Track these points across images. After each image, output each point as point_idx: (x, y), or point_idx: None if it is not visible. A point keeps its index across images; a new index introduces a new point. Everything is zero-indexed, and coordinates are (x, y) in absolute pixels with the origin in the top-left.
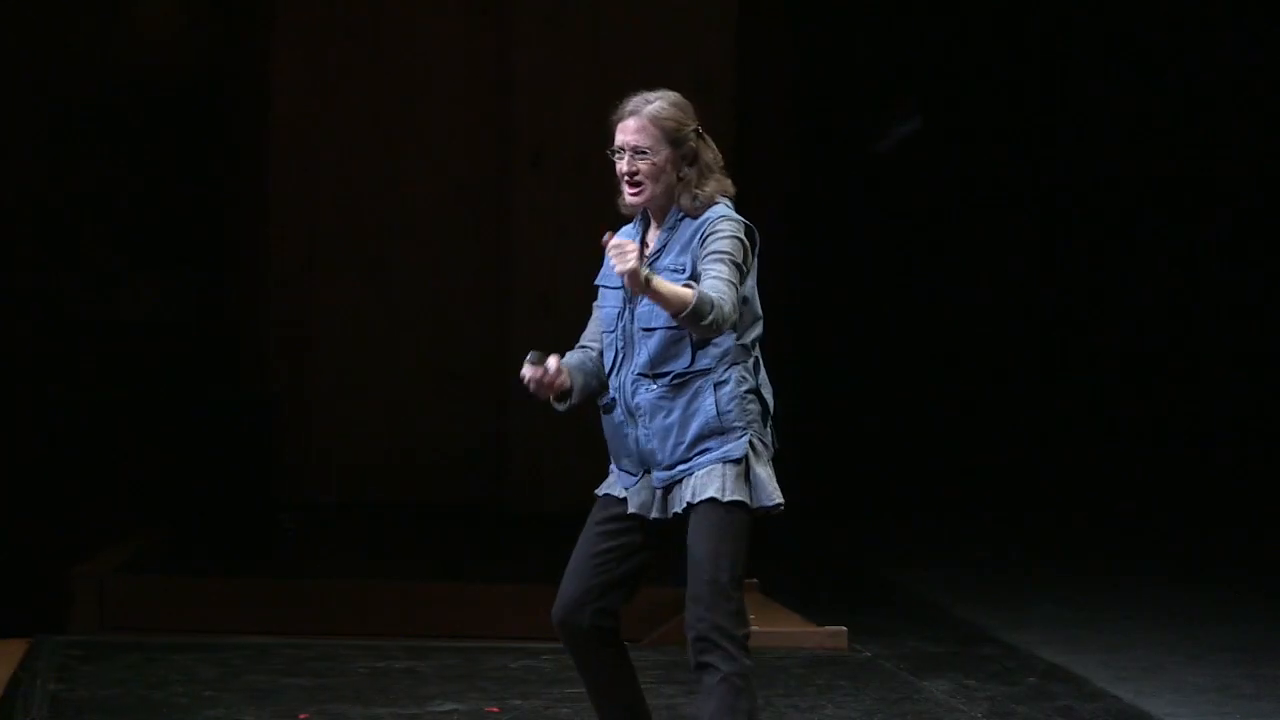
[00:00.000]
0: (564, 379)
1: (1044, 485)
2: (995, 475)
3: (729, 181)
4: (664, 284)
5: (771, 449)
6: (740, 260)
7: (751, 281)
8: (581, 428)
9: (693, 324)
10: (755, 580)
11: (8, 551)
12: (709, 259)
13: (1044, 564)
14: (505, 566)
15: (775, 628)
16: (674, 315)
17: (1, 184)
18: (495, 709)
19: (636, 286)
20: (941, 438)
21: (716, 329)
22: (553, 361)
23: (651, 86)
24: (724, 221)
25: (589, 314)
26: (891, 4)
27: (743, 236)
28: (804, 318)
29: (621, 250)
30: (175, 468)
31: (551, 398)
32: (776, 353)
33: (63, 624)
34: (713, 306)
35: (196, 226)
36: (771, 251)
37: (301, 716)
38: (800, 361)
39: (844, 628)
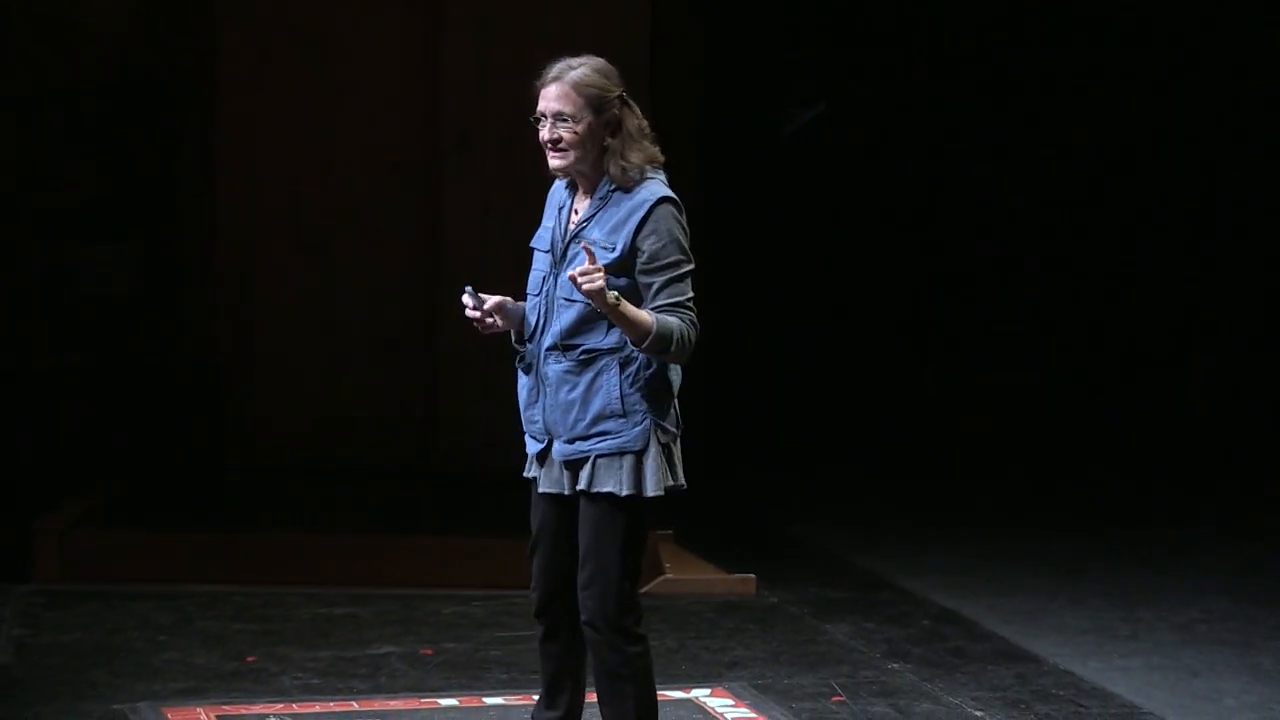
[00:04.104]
0: (495, 323)
1: (940, 449)
2: (897, 438)
3: (656, 149)
4: (629, 310)
5: (675, 430)
6: (688, 260)
7: None
8: (508, 392)
9: (654, 354)
10: (670, 531)
11: None
12: (662, 272)
13: (938, 518)
14: (438, 521)
15: (688, 575)
16: (635, 342)
17: None
18: (429, 651)
19: (602, 305)
20: (848, 404)
21: (676, 359)
22: (491, 301)
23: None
24: (664, 215)
25: (514, 286)
26: None
27: (683, 226)
28: (715, 283)
29: (589, 274)
30: (128, 429)
31: (512, 338)
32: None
33: (25, 575)
34: (675, 343)
35: (147, 207)
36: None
37: (249, 659)
38: (713, 332)
39: (752, 575)
